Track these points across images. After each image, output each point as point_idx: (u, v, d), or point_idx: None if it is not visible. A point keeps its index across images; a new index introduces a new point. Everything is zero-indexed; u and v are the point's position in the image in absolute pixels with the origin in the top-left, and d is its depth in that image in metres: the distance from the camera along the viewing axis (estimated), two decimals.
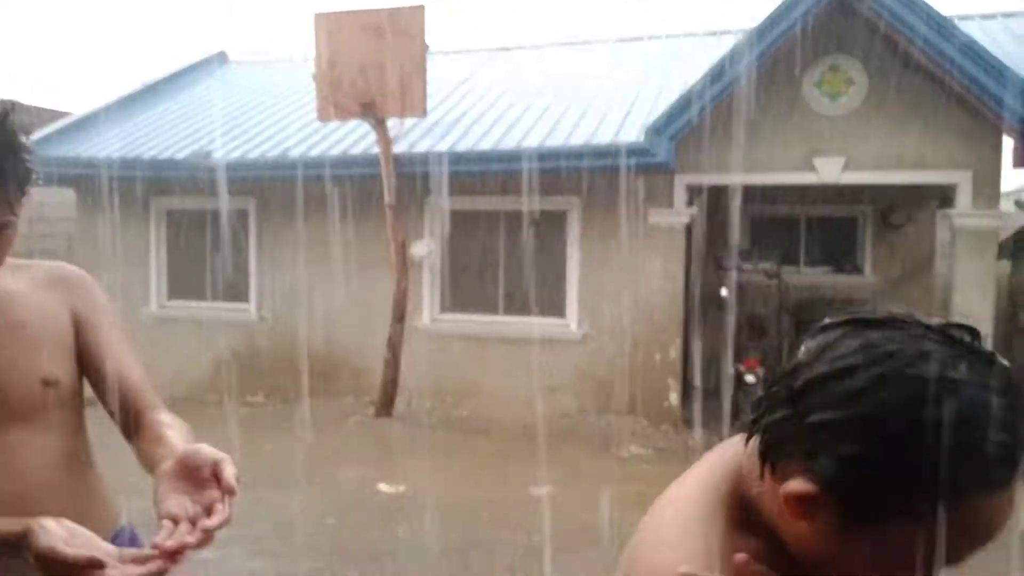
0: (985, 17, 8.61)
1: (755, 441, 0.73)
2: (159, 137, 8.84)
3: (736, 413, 6.98)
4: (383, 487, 5.28)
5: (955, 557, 0.65)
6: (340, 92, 7.18)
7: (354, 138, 8.01)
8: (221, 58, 11.57)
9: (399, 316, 7.19)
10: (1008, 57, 6.04)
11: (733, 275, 7.81)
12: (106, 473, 1.54)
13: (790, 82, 6.71)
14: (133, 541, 1.47)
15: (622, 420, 7.14)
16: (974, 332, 0.68)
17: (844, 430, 0.65)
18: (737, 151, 6.73)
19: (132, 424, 1.34)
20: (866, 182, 6.79)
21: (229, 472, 1.08)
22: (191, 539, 1.01)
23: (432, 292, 7.97)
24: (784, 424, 0.69)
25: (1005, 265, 8.99)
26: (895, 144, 6.50)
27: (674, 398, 7.10)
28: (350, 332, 8.01)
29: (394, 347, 7.18)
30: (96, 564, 0.99)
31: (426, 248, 7.70)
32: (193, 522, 1.04)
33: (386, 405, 7.22)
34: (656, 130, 6.60)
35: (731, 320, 7.77)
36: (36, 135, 8.84)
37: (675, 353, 7.11)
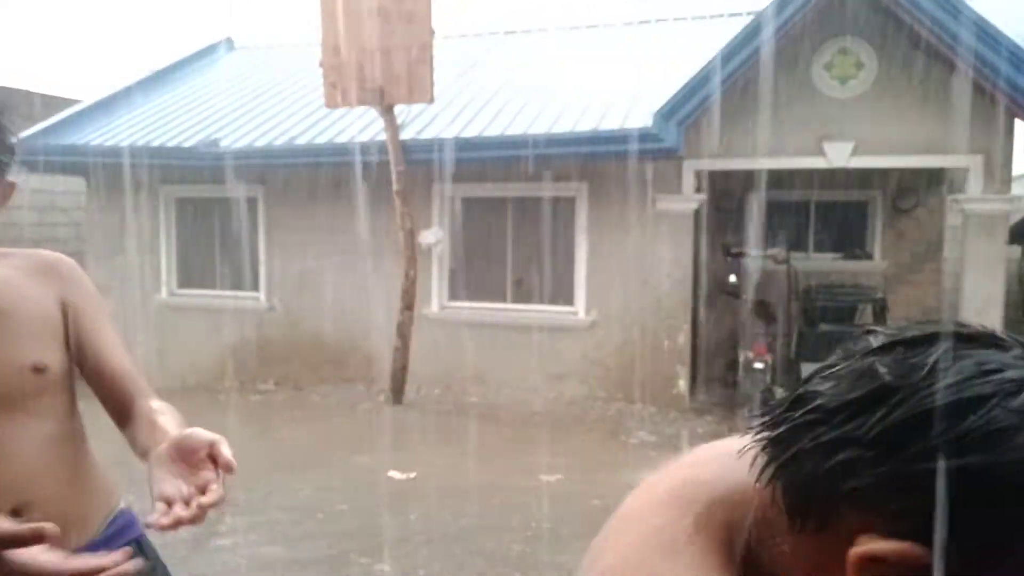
0: None
1: (780, 481, 0.59)
2: (167, 125, 8.85)
3: (744, 400, 7.01)
4: (394, 474, 5.33)
5: None
6: (347, 78, 7.17)
7: (361, 125, 8.00)
8: (227, 44, 11.55)
9: (408, 304, 7.21)
10: (1021, 38, 5.97)
11: (741, 261, 7.80)
12: (109, 458, 1.56)
13: (799, 65, 6.66)
14: (131, 525, 1.48)
15: (630, 407, 7.17)
16: None
17: (987, 481, 0.50)
18: (746, 136, 6.70)
19: (123, 411, 1.35)
20: (876, 166, 6.74)
21: (226, 451, 1.09)
22: (185, 514, 1.02)
23: (441, 280, 7.99)
24: (861, 467, 0.53)
25: (1016, 250, 8.95)
26: (905, 128, 6.45)
27: (682, 385, 7.11)
28: (360, 320, 8.05)
29: (403, 335, 7.22)
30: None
31: (434, 236, 7.71)
32: (187, 502, 1.05)
33: (396, 392, 7.27)
34: (664, 115, 6.57)
35: (739, 306, 7.78)
36: (45, 123, 8.90)
37: (683, 340, 7.12)
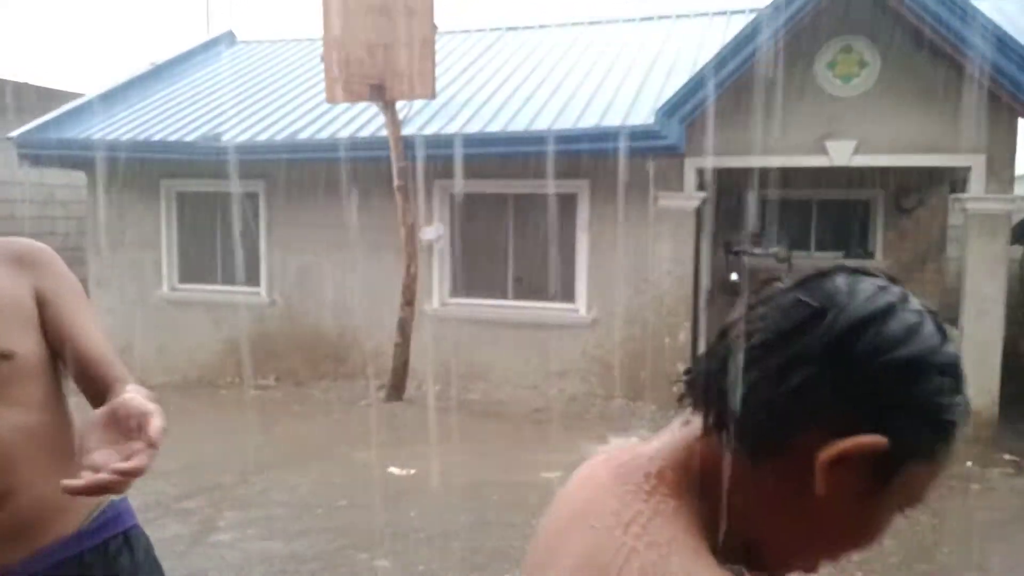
0: None
1: (732, 423, 0.63)
2: (169, 119, 8.84)
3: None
4: (394, 470, 5.33)
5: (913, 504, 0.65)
6: (348, 74, 7.16)
7: (363, 120, 8.00)
8: (229, 38, 11.53)
9: (409, 300, 7.21)
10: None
11: (743, 259, 7.79)
12: None
13: (802, 63, 6.64)
14: (121, 516, 1.46)
15: (631, 404, 7.17)
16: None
17: (910, 373, 0.61)
18: (748, 134, 6.69)
19: (100, 397, 1.32)
20: (878, 165, 6.72)
21: (155, 425, 1.06)
22: (102, 478, 1.00)
23: (442, 276, 7.99)
24: (815, 382, 0.60)
25: (1018, 250, 8.93)
26: (908, 127, 6.43)
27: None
28: (361, 315, 8.04)
29: (404, 331, 7.22)
30: None
31: (435, 232, 7.71)
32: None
33: (397, 388, 7.27)
34: (666, 112, 6.56)
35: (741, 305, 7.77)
36: (45, 117, 8.89)
37: (684, 337, 7.11)
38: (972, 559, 4.10)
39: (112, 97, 9.48)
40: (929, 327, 0.63)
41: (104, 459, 1.03)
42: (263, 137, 8.03)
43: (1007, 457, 5.92)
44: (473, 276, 7.95)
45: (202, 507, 4.67)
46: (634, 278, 7.26)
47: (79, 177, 9.34)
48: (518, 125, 7.26)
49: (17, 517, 1.30)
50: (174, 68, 10.42)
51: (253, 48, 11.21)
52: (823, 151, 6.63)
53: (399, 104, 7.26)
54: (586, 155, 7.13)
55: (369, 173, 7.64)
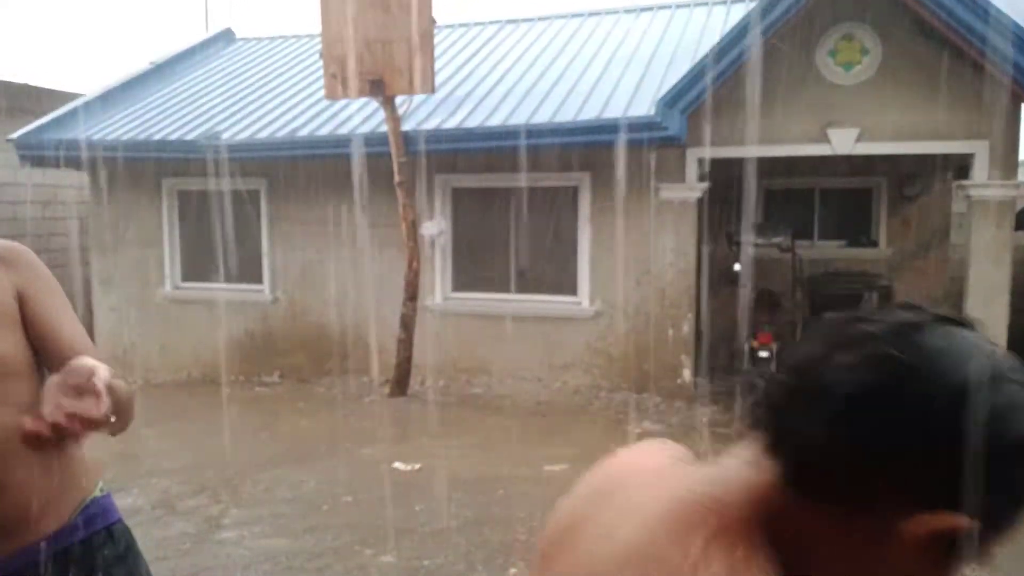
0: None
1: (807, 473, 0.61)
2: (169, 118, 8.84)
3: (749, 388, 6.99)
4: (399, 465, 5.33)
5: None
6: (347, 70, 7.14)
7: (363, 116, 7.98)
8: (228, 36, 11.51)
9: (411, 295, 7.21)
10: None
11: (746, 249, 7.76)
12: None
13: (803, 52, 6.60)
14: (104, 512, 1.49)
15: (635, 396, 7.16)
16: None
17: (1019, 456, 0.57)
18: (749, 123, 6.65)
19: None
20: (881, 153, 6.69)
21: (99, 376, 1.10)
22: (59, 416, 1.05)
23: (444, 271, 7.98)
24: (908, 449, 0.57)
25: (1022, 236, 8.88)
26: (910, 114, 6.40)
27: (687, 374, 7.10)
28: (363, 312, 8.04)
29: (407, 326, 7.21)
30: None
31: (437, 227, 7.69)
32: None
33: (400, 384, 7.27)
34: (667, 103, 6.53)
35: (744, 295, 7.75)
36: (47, 117, 8.89)
37: (688, 329, 7.10)
38: None
39: (112, 97, 9.48)
40: None
41: (53, 408, 1.08)
42: (263, 135, 8.02)
43: None
44: (475, 270, 7.94)
45: (207, 505, 4.68)
46: (636, 270, 7.24)
47: (81, 177, 9.35)
48: (519, 119, 7.23)
49: (5, 513, 1.31)
50: (173, 67, 10.41)
51: (252, 45, 11.19)
52: (825, 139, 6.60)
53: (399, 99, 7.24)
54: (587, 147, 7.10)
55: (370, 169, 7.62)
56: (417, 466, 5.33)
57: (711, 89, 6.51)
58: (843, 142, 6.55)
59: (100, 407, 1.08)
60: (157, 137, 8.38)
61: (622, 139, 6.71)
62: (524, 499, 4.66)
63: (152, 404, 7.75)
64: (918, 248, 8.64)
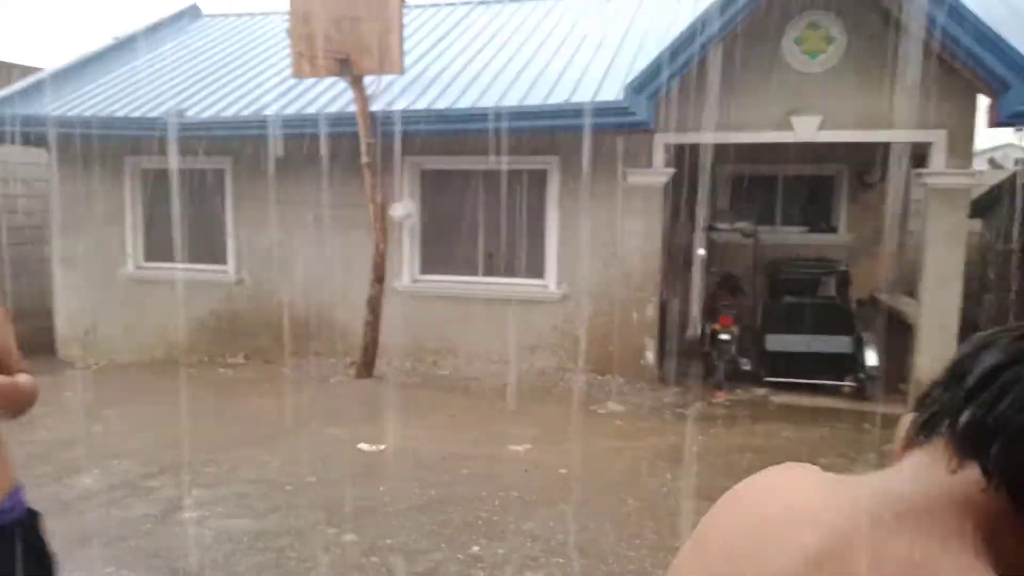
0: None
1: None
2: (133, 94, 8.67)
3: (710, 371, 7.13)
4: (364, 446, 5.36)
5: None
6: (315, 48, 7.06)
7: (331, 95, 7.91)
8: (194, 12, 11.28)
9: (379, 277, 7.20)
10: (987, 15, 6.04)
11: (710, 235, 7.88)
12: None
13: (770, 39, 6.68)
14: (23, 499, 1.76)
15: (600, 378, 7.26)
16: None
17: None
18: (716, 110, 6.73)
19: None
20: (842, 140, 6.82)
21: None
22: None
23: (412, 253, 7.97)
24: None
25: (977, 223, 9.13)
26: (871, 103, 6.52)
27: (650, 356, 7.21)
28: (330, 293, 8.02)
29: (374, 308, 7.22)
30: None
31: (405, 209, 7.68)
32: None
33: (367, 365, 7.28)
34: (635, 88, 6.57)
35: (707, 279, 7.88)
36: (4, 92, 8.66)
37: (652, 312, 7.20)
38: None
39: (74, 72, 9.27)
40: None
41: None
42: (229, 113, 7.91)
43: None
44: (443, 253, 7.95)
45: (169, 485, 4.67)
46: (603, 254, 7.32)
47: (40, 154, 9.14)
48: (488, 101, 7.23)
49: None
50: (137, 42, 10.18)
51: (218, 22, 10.99)
52: (789, 127, 6.71)
53: (367, 79, 7.18)
54: (556, 131, 7.13)
55: (337, 149, 7.57)
56: (382, 447, 5.36)
57: (679, 75, 6.57)
58: (806, 129, 6.67)
59: None
60: (120, 114, 8.22)
61: (590, 123, 6.75)
62: (488, 479, 4.73)
63: (115, 385, 7.68)
64: (877, 234, 8.84)
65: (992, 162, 10.94)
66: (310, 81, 7.91)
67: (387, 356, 7.65)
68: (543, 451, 5.30)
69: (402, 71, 7.25)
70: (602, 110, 6.69)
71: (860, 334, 6.83)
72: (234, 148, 8.20)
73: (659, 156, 7.07)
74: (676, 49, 6.50)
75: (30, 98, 8.69)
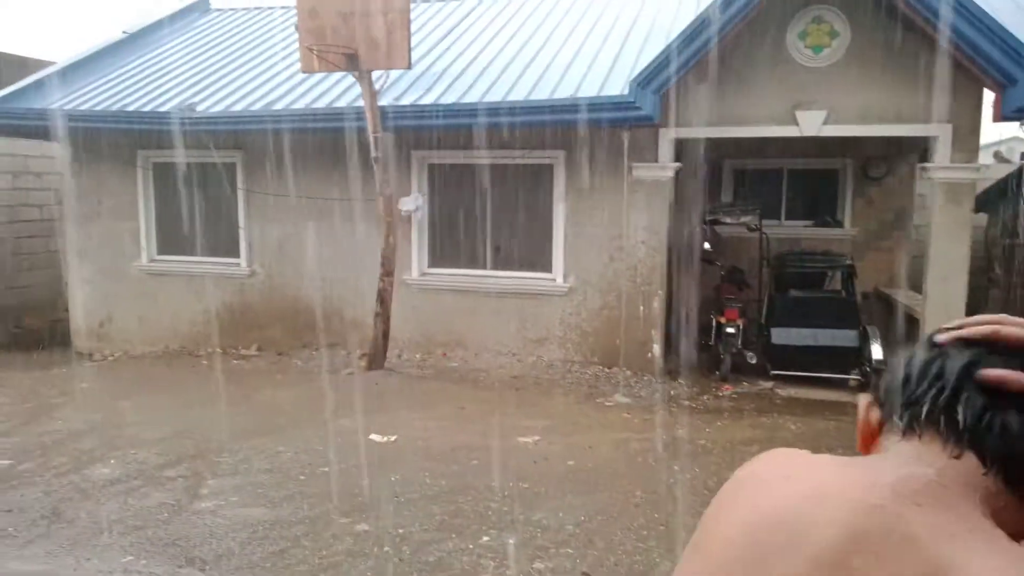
0: None
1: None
2: (143, 88, 8.75)
3: (716, 364, 7.20)
4: (375, 436, 5.46)
5: None
6: (323, 43, 7.12)
7: (340, 90, 7.98)
8: (203, 6, 11.35)
9: (388, 270, 7.29)
10: (992, 9, 6.06)
11: (716, 229, 7.94)
12: None
13: (774, 34, 6.71)
14: None
15: (607, 371, 7.34)
16: None
17: None
18: (721, 104, 6.77)
19: None
20: (847, 135, 6.85)
21: None
22: None
23: (420, 246, 8.06)
24: None
25: (982, 218, 9.15)
26: (877, 97, 6.55)
27: (656, 349, 7.28)
28: (341, 286, 8.12)
29: (384, 301, 7.30)
30: None
31: (414, 202, 7.76)
32: None
33: (377, 357, 7.38)
34: (640, 83, 6.62)
35: (713, 273, 7.94)
36: (17, 85, 8.76)
37: (658, 305, 7.27)
38: None
39: (85, 66, 9.36)
40: None
41: None
42: (239, 107, 7.99)
43: None
44: (451, 246, 8.03)
45: (185, 475, 4.78)
46: (610, 247, 7.38)
47: (53, 148, 9.25)
48: (495, 96, 7.29)
49: None
50: (147, 36, 10.27)
51: (227, 16, 11.05)
52: (793, 121, 6.74)
53: (376, 74, 7.24)
54: (562, 126, 7.18)
55: (346, 143, 7.64)
56: (393, 437, 5.46)
57: (684, 70, 6.61)
58: (810, 124, 6.70)
59: None
60: (131, 108, 8.31)
61: (596, 118, 6.81)
62: (498, 470, 4.81)
63: (129, 376, 7.80)
64: (881, 228, 8.87)
65: (998, 156, 10.92)
66: (319, 75, 7.98)
67: (397, 348, 7.75)
68: (551, 443, 5.39)
69: (410, 65, 7.30)
70: (608, 105, 6.73)
71: (866, 328, 6.88)
72: (245, 142, 8.28)
73: (665, 150, 7.12)
74: (681, 44, 6.53)
75: (43, 92, 8.78)
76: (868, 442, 0.81)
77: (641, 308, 7.28)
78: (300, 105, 7.82)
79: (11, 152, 9.90)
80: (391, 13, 7.02)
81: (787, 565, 0.70)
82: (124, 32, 10.20)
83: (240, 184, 8.51)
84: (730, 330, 7.01)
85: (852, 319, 6.96)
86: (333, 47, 7.07)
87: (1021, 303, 8.15)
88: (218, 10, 11.34)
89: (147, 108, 8.26)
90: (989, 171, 8.86)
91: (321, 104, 7.77)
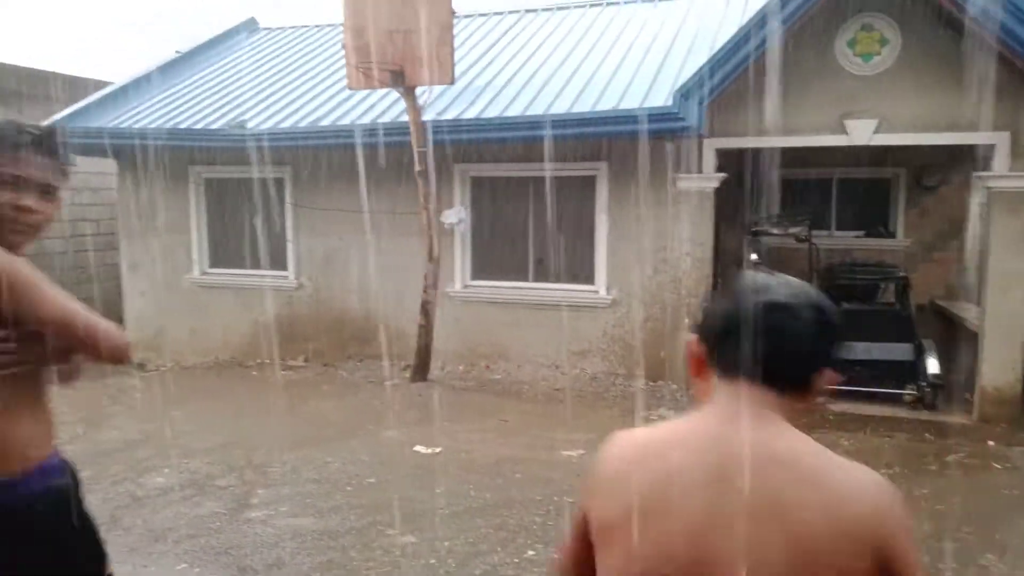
0: None
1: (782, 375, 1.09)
2: (195, 106, 9.01)
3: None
4: (420, 448, 5.49)
5: None
6: (369, 60, 7.25)
7: (384, 105, 8.10)
8: (251, 25, 11.66)
9: (432, 283, 7.35)
10: None
11: (762, 240, 7.81)
12: None
13: (822, 42, 6.61)
14: (56, 467, 1.82)
15: (651, 384, 7.27)
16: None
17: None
18: (767, 114, 6.68)
19: None
20: (899, 144, 6.69)
21: None
22: None
23: (463, 259, 8.11)
24: (830, 343, 1.11)
25: None
26: (929, 104, 6.39)
27: None
28: (385, 298, 8.21)
29: (428, 313, 7.36)
30: None
31: (456, 215, 7.81)
32: None
33: (421, 369, 7.43)
34: (685, 94, 6.57)
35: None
36: (76, 106, 9.10)
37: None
38: (994, 539, 4.14)
39: (139, 86, 9.67)
40: None
41: None
42: (287, 124, 8.17)
43: None
44: (494, 259, 8.06)
45: (236, 485, 4.86)
46: (653, 259, 7.32)
47: (109, 164, 9.57)
48: (537, 109, 7.31)
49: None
50: (199, 56, 10.58)
51: (275, 35, 11.33)
52: (843, 130, 6.62)
53: (419, 90, 7.34)
54: (605, 138, 7.17)
55: (391, 158, 7.75)
56: (437, 449, 5.48)
57: (729, 80, 6.55)
58: (861, 133, 6.57)
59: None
60: (184, 125, 8.56)
61: (639, 130, 6.77)
62: (541, 483, 4.80)
63: (181, 386, 7.99)
64: (936, 239, 8.64)
65: None
66: (364, 92, 8.12)
67: (440, 360, 7.80)
68: (596, 456, 5.33)
69: (453, 81, 7.39)
70: (651, 116, 6.69)
71: (921, 341, 6.68)
72: (293, 158, 8.46)
73: (709, 161, 7.05)
74: (726, 54, 6.48)
75: (99, 111, 9.10)
76: (698, 370, 1.17)
77: (686, 320, 7.20)
78: (346, 121, 7.96)
79: (72, 169, 10.25)
80: (435, 30, 7.12)
81: (687, 478, 1.05)
82: (177, 52, 10.53)
83: (288, 198, 8.69)
84: None
85: (906, 332, 6.77)
86: (379, 64, 7.19)
87: None
88: (266, 29, 11.63)
89: (199, 125, 8.49)
90: None
91: (366, 120, 7.89)
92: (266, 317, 8.77)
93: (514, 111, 7.38)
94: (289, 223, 8.71)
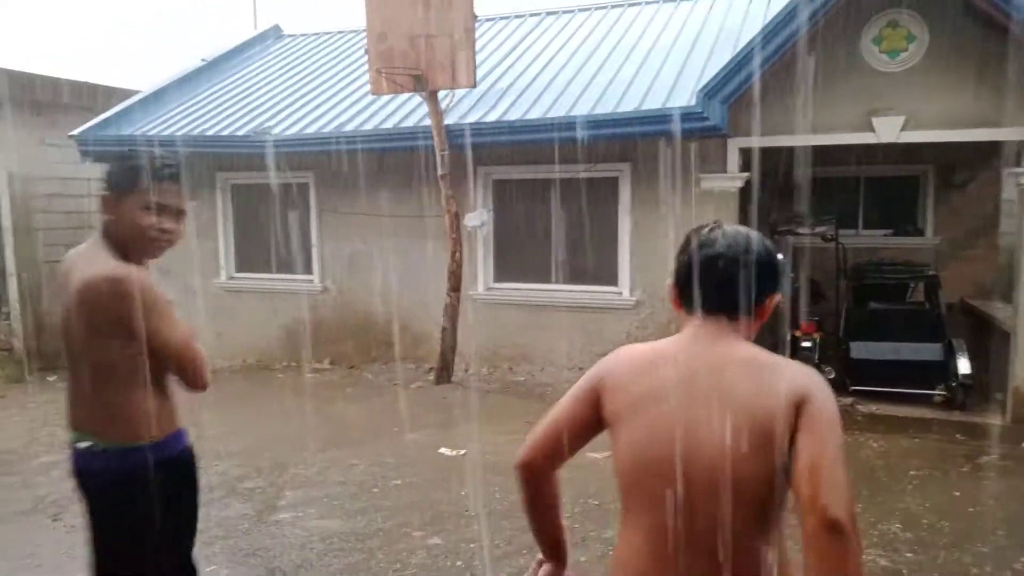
0: None
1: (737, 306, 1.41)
2: (221, 113, 9.14)
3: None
4: (445, 450, 5.51)
5: None
6: (391, 65, 7.30)
7: (407, 110, 8.15)
8: (276, 32, 11.79)
9: (455, 285, 7.38)
10: None
11: (788, 239, 7.73)
12: None
13: (847, 39, 6.53)
14: (184, 434, 2.24)
15: None
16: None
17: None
18: (792, 112, 6.62)
19: None
20: (927, 141, 6.59)
21: None
22: None
23: (486, 261, 8.13)
24: (771, 282, 1.46)
25: None
26: (957, 100, 6.30)
27: None
28: (409, 301, 8.25)
29: (451, 315, 7.39)
30: None
31: (479, 219, 7.84)
32: None
33: (445, 371, 7.46)
34: (708, 94, 6.53)
35: (787, 285, 7.72)
36: (105, 114, 9.27)
37: None
38: None
39: (166, 93, 9.82)
40: None
41: None
42: (311, 129, 8.25)
43: None
44: (517, 261, 8.07)
45: (264, 487, 4.92)
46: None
47: None
48: (559, 111, 7.31)
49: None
50: (224, 63, 10.73)
51: (299, 41, 11.45)
52: (870, 128, 6.54)
53: (441, 93, 7.38)
54: (628, 139, 7.15)
55: (414, 162, 7.80)
56: (462, 451, 5.50)
57: (753, 79, 6.50)
58: (888, 130, 6.48)
59: None
60: (210, 132, 8.68)
61: (663, 130, 6.75)
62: (566, 485, 4.73)
63: (211, 390, 8.09)
64: (966, 236, 8.49)
65: None
66: (387, 96, 8.18)
67: (464, 362, 7.82)
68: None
69: (475, 84, 7.41)
70: (674, 116, 6.66)
71: (951, 341, 6.58)
72: (317, 163, 8.54)
73: (733, 161, 7.00)
74: (750, 52, 6.43)
75: (128, 119, 9.27)
76: (676, 306, 1.52)
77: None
78: (369, 126, 8.02)
79: (102, 177, 10.45)
80: (456, 35, 7.16)
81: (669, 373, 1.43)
82: (202, 60, 10.68)
83: (313, 203, 8.77)
84: (806, 344, 6.81)
85: (936, 332, 6.66)
86: (401, 69, 7.24)
87: None
88: (290, 36, 11.76)
89: (225, 132, 8.61)
90: None
91: (389, 124, 7.95)
92: (291, 321, 8.87)
93: (536, 113, 7.39)
94: (314, 227, 8.80)
